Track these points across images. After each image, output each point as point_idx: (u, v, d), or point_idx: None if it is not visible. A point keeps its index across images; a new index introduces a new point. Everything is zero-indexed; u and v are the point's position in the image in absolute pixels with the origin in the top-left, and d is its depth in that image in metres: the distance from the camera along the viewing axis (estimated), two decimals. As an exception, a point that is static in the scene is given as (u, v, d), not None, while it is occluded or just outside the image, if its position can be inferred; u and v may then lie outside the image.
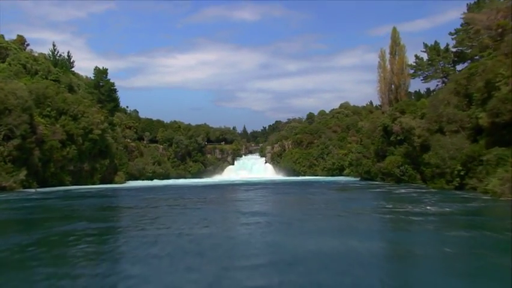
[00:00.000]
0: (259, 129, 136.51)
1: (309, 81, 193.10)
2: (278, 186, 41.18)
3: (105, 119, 58.68)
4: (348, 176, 73.05)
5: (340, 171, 77.08)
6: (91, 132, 55.11)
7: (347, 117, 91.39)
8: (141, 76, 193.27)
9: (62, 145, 51.82)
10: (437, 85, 59.69)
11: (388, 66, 53.31)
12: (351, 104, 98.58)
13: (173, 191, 35.63)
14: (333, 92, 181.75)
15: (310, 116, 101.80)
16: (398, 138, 44.20)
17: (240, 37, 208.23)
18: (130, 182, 64.01)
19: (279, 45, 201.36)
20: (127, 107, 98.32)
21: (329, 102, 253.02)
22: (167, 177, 78.62)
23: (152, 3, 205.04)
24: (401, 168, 41.26)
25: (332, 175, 76.21)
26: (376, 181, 46.63)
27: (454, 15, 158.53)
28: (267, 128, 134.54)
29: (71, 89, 60.33)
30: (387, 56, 53.77)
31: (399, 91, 51.75)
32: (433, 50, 60.48)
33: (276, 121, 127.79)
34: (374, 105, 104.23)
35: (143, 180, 73.31)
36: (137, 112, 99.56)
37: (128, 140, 78.36)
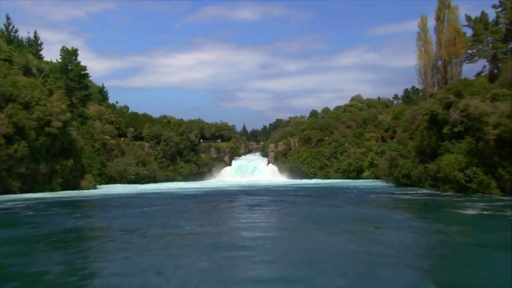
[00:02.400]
0: (259, 128, 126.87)
1: (309, 81, 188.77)
2: (293, 198, 29.07)
3: (68, 108, 46.41)
4: (369, 179, 61.14)
5: (358, 174, 64.97)
6: (49, 125, 43.00)
7: (361, 111, 79.33)
8: (140, 76, 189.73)
9: (8, 141, 39.86)
10: (484, 66, 47.75)
11: (433, 37, 41.17)
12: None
13: (141, 206, 23.64)
14: (333, 92, 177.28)
15: (314, 114, 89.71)
16: (456, 129, 32.19)
17: (240, 37, 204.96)
18: (103, 186, 52.01)
19: (279, 45, 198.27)
20: (117, 102, 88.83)
21: (329, 102, 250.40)
22: (154, 180, 66.62)
23: (151, 3, 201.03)
24: (465, 171, 29.18)
25: (348, 178, 64.18)
26: (423, 188, 34.61)
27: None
28: (267, 126, 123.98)
29: (27, 72, 48.17)
30: (430, 24, 41.41)
31: (451, 68, 39.62)
32: (479, 23, 48.55)
33: (277, 119, 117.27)
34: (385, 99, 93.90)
35: (124, 183, 61.63)
36: (128, 108, 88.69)
37: (107, 137, 66.17)
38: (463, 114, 30.61)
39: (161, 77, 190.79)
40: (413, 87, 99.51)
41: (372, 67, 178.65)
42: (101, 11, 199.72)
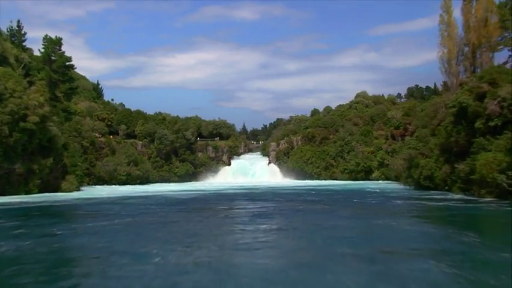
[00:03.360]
0: (259, 128, 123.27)
1: (309, 81, 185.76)
2: (302, 204, 24.31)
3: (49, 101, 41.69)
4: (379, 180, 56.47)
5: (366, 174, 60.20)
6: (24, 120, 38.27)
7: (367, 107, 74.60)
8: (140, 76, 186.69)
9: (-24, 137, 35.19)
10: (510, 56, 42.86)
11: (457, 20, 36.12)
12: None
13: (114, 217, 18.97)
14: (333, 92, 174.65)
15: (315, 112, 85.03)
16: (492, 123, 27.46)
17: (240, 36, 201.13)
18: (88, 188, 47.31)
19: (278, 44, 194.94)
20: (112, 99, 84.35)
21: (329, 102, 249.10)
22: (147, 181, 62.01)
23: (151, 3, 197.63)
24: (509, 173, 24.43)
25: (356, 179, 59.42)
26: (451, 192, 29.86)
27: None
28: (268, 126, 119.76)
29: (4, 62, 43.36)
30: (452, 7, 36.37)
31: (481, 54, 34.70)
32: (504, 8, 43.78)
33: (278, 119, 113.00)
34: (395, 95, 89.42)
35: (114, 184, 57.04)
36: (124, 105, 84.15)
37: (96, 135, 61.44)
38: (503, 105, 25.87)
39: (161, 76, 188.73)
40: (417, 85, 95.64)
41: (372, 67, 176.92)
42: (101, 10, 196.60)
